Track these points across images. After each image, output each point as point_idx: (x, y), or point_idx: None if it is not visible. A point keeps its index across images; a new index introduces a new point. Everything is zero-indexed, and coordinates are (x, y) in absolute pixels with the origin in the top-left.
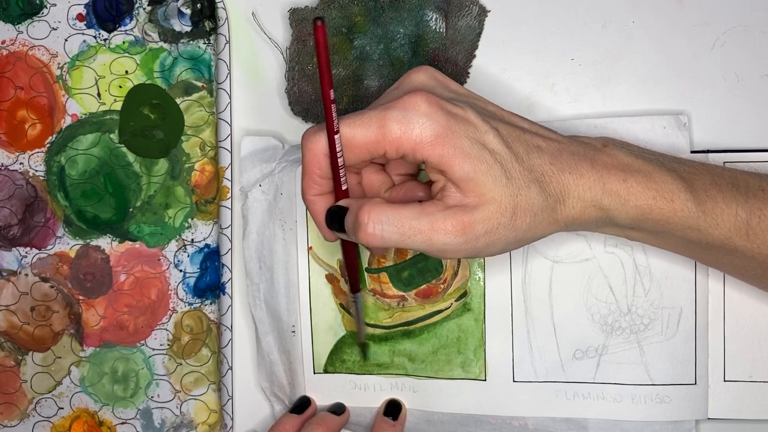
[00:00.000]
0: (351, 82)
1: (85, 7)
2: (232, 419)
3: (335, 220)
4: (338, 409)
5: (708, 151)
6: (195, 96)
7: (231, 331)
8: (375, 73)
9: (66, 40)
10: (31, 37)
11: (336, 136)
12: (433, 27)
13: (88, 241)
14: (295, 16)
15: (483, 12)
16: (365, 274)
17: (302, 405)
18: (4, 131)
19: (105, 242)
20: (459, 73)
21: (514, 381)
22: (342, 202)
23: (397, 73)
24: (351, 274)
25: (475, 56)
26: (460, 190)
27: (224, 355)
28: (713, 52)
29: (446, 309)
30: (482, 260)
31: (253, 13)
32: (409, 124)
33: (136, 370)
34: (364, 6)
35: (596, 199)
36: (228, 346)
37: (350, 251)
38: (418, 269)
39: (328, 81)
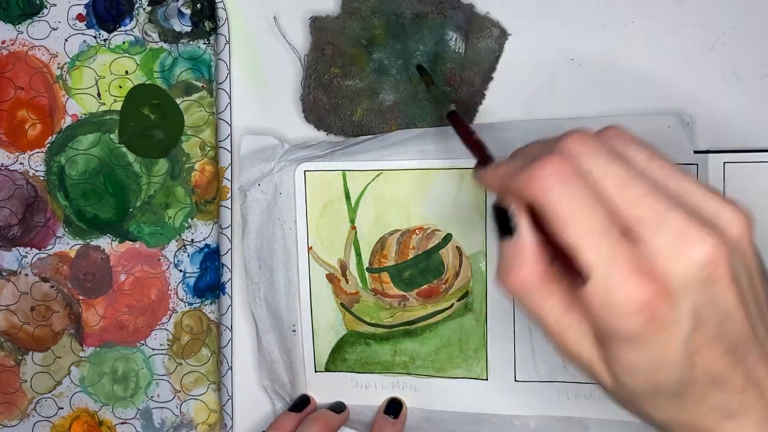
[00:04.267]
0: (367, 95)
1: (85, 7)
2: (232, 419)
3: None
4: (338, 408)
5: (708, 152)
6: (195, 96)
7: (231, 331)
8: (391, 87)
9: (66, 40)
10: (31, 37)
11: None
12: (453, 47)
13: (88, 241)
14: (316, 24)
15: (503, 34)
16: (366, 273)
17: (301, 403)
18: (4, 131)
19: (105, 242)
20: (475, 93)
21: (515, 380)
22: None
23: (414, 89)
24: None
25: (492, 78)
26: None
27: (224, 355)
28: (713, 52)
29: (448, 309)
30: (484, 260)
31: (274, 17)
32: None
33: (136, 370)
34: (385, 20)
35: None
36: (228, 346)
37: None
38: (420, 269)
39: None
